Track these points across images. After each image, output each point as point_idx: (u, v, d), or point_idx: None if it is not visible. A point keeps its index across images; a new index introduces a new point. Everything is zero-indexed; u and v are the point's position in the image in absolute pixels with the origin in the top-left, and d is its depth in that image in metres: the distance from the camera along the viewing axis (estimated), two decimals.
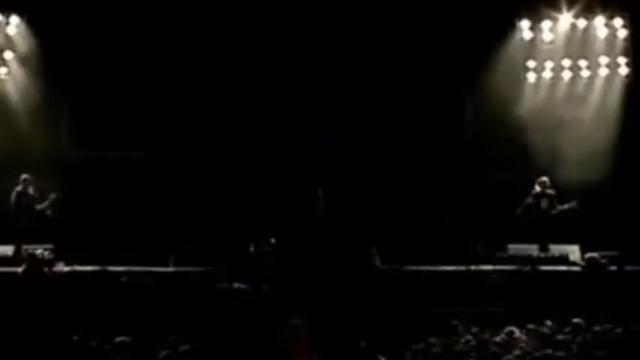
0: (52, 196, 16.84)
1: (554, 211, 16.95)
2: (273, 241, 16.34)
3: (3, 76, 17.91)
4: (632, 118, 18.14)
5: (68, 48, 18.08)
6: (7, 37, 17.95)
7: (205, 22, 18.12)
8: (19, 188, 16.78)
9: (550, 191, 17.12)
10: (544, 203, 17.06)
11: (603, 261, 15.66)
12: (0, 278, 15.25)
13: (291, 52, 18.17)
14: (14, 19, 17.87)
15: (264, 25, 18.08)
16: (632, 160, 18.03)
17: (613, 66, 18.19)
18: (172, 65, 18.14)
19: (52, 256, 15.88)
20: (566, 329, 11.95)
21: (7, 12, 17.85)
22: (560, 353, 10.88)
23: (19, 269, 15.35)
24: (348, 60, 18.17)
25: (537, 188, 17.16)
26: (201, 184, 18.13)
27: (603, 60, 18.22)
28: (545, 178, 17.18)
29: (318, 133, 18.18)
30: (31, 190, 16.82)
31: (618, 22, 18.07)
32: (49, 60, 18.00)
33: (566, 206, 16.90)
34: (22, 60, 17.98)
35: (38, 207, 16.75)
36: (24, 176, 16.87)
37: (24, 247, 16.34)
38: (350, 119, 18.29)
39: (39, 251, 15.79)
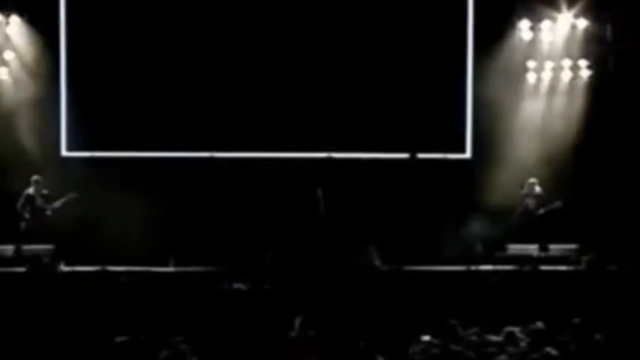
0: (70, 195, 16.94)
1: (540, 211, 17.02)
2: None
3: (3, 76, 17.94)
4: (634, 118, 18.16)
5: (67, 48, 18.15)
6: (7, 37, 17.98)
7: (202, 18, 18.21)
8: (30, 191, 16.83)
9: (538, 192, 17.18)
10: (531, 204, 17.12)
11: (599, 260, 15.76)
12: (0, 278, 15.31)
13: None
14: (14, 19, 17.89)
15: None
16: (633, 160, 18.05)
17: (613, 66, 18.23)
18: (170, 65, 18.16)
19: (54, 256, 15.97)
20: (566, 329, 11.96)
21: (7, 12, 17.88)
22: (559, 353, 10.89)
23: (23, 269, 15.40)
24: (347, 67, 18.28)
25: (525, 189, 17.23)
26: (200, 183, 18.16)
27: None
28: (533, 179, 17.24)
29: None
30: (44, 191, 16.90)
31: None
32: (48, 60, 18.04)
33: (550, 207, 16.97)
34: (21, 60, 18.03)
35: (50, 207, 16.82)
36: (35, 177, 16.93)
37: (24, 247, 16.43)
38: (349, 120, 18.34)
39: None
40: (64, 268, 15.76)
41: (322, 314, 14.15)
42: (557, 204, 16.97)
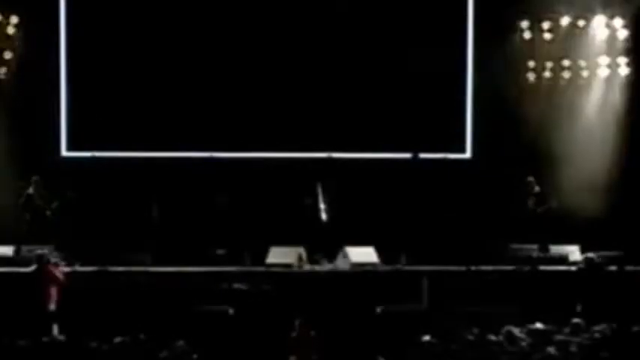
0: (68, 195, 16.94)
1: (539, 210, 17.02)
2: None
3: (3, 76, 17.93)
4: (633, 118, 18.15)
5: (67, 48, 18.15)
6: (7, 37, 17.98)
7: (200, 18, 18.21)
8: (30, 191, 16.81)
9: (536, 191, 17.17)
10: (530, 203, 17.12)
11: (599, 260, 15.70)
12: (0, 278, 15.30)
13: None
14: (14, 19, 17.88)
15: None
16: (633, 159, 18.04)
17: (613, 66, 18.21)
18: (170, 65, 18.14)
19: (57, 256, 15.96)
20: (566, 329, 11.96)
21: (7, 12, 17.87)
22: (559, 353, 10.89)
23: (28, 269, 15.36)
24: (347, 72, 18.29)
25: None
26: (200, 183, 18.15)
27: (603, 60, 18.24)
28: (531, 178, 17.23)
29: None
30: (43, 191, 16.89)
31: (618, 22, 18.09)
32: (48, 60, 18.03)
33: (547, 206, 16.97)
34: (21, 60, 18.02)
35: (49, 207, 16.80)
36: (35, 178, 16.92)
37: (24, 247, 16.43)
38: (350, 120, 18.33)
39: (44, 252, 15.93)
40: (64, 268, 15.76)
41: (322, 314, 14.18)
42: (554, 203, 16.96)
